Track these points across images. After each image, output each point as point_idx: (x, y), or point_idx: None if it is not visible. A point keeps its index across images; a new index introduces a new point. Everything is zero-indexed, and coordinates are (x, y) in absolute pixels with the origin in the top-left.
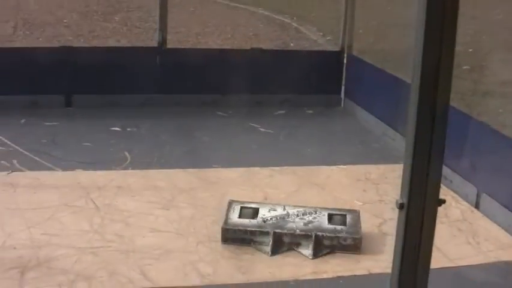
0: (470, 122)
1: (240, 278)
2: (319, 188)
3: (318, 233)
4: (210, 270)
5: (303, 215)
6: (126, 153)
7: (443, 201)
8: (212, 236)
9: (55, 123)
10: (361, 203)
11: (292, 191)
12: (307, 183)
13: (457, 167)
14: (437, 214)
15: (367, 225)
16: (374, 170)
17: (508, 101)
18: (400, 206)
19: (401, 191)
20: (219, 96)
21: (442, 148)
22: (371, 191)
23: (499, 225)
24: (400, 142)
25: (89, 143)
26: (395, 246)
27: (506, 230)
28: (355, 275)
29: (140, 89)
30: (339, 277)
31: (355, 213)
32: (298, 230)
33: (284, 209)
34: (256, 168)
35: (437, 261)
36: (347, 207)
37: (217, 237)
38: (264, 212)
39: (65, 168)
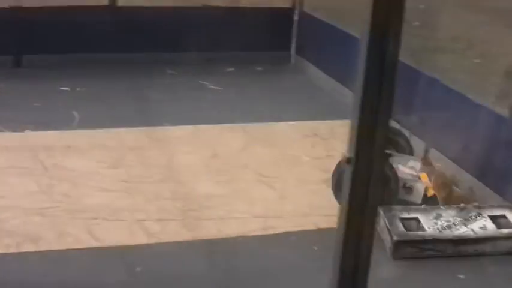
0: (421, 78)
1: (186, 235)
2: (267, 144)
3: None
4: (158, 228)
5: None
6: (75, 113)
7: (391, 154)
8: (160, 195)
9: (3, 84)
10: (308, 158)
11: (241, 148)
12: (256, 140)
13: (405, 121)
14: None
15: (314, 178)
16: (322, 126)
17: (458, 57)
18: (348, 161)
19: (349, 146)
20: (169, 55)
21: (391, 103)
22: (319, 147)
23: None
24: (350, 98)
25: (38, 104)
26: (342, 201)
27: (456, 186)
28: (304, 230)
29: (91, 48)
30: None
31: None
32: None
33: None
34: (205, 126)
35: None
36: (296, 162)
37: (165, 195)
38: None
39: (13, 130)
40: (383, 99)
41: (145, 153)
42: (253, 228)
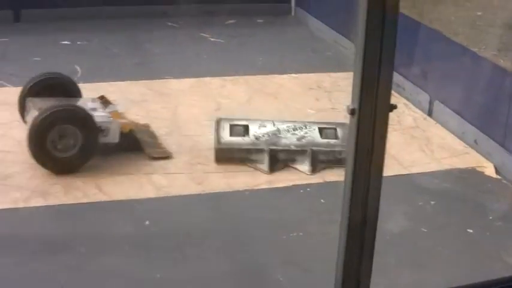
0: (422, 30)
1: (195, 188)
2: (271, 97)
3: (314, 148)
4: (165, 182)
5: (293, 130)
6: (77, 67)
7: (395, 107)
8: (166, 147)
9: (4, 39)
10: (313, 111)
11: (244, 100)
12: (259, 92)
13: (409, 74)
14: (390, 121)
15: None
16: (326, 78)
17: (460, 9)
18: (351, 112)
19: (352, 97)
20: (169, 7)
21: (392, 54)
22: (323, 99)
23: (452, 132)
24: (352, 50)
25: (39, 58)
26: (347, 153)
27: (459, 137)
28: (309, 184)
29: (90, 1)
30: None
31: (345, 127)
32: (293, 146)
33: (274, 124)
34: (208, 78)
35: (391, 168)
36: (300, 115)
37: (170, 149)
38: (254, 129)
39: (16, 84)
40: (385, 50)
41: (149, 107)
42: (260, 181)
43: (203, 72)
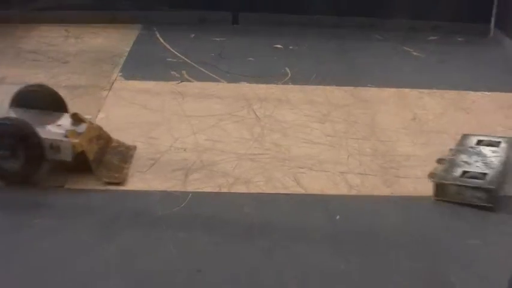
0: None
1: (385, 191)
2: (464, 112)
3: None
4: (358, 181)
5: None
6: (287, 69)
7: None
8: (361, 151)
9: (222, 38)
10: (502, 128)
11: (439, 113)
12: (453, 106)
13: None
14: None
15: None
16: None
17: None
18: None
19: None
20: (377, 20)
21: None
22: None
23: None
24: None
25: (253, 58)
26: None
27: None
28: None
29: (303, 9)
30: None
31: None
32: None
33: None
34: (407, 90)
35: None
36: (490, 131)
37: (366, 152)
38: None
39: (229, 81)
40: None
41: (350, 111)
42: None
43: (403, 83)
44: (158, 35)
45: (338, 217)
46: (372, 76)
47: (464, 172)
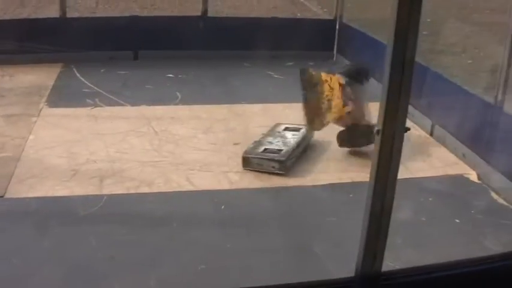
0: (428, 72)
1: (258, 184)
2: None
3: None
4: (237, 178)
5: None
6: (178, 93)
7: (408, 129)
8: (238, 154)
9: (126, 71)
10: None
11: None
12: None
13: (417, 104)
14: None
15: None
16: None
17: (455, 58)
18: (377, 132)
19: (378, 121)
20: (246, 52)
21: (409, 89)
22: None
23: (446, 148)
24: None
25: (150, 86)
26: (372, 163)
27: (452, 152)
28: (342, 183)
29: (189, 46)
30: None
31: None
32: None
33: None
34: (272, 104)
35: (401, 173)
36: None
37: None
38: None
39: (133, 104)
40: (403, 86)
41: (228, 124)
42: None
43: (269, 99)
44: (75, 71)
45: (223, 207)
46: (244, 95)
47: (265, 149)
